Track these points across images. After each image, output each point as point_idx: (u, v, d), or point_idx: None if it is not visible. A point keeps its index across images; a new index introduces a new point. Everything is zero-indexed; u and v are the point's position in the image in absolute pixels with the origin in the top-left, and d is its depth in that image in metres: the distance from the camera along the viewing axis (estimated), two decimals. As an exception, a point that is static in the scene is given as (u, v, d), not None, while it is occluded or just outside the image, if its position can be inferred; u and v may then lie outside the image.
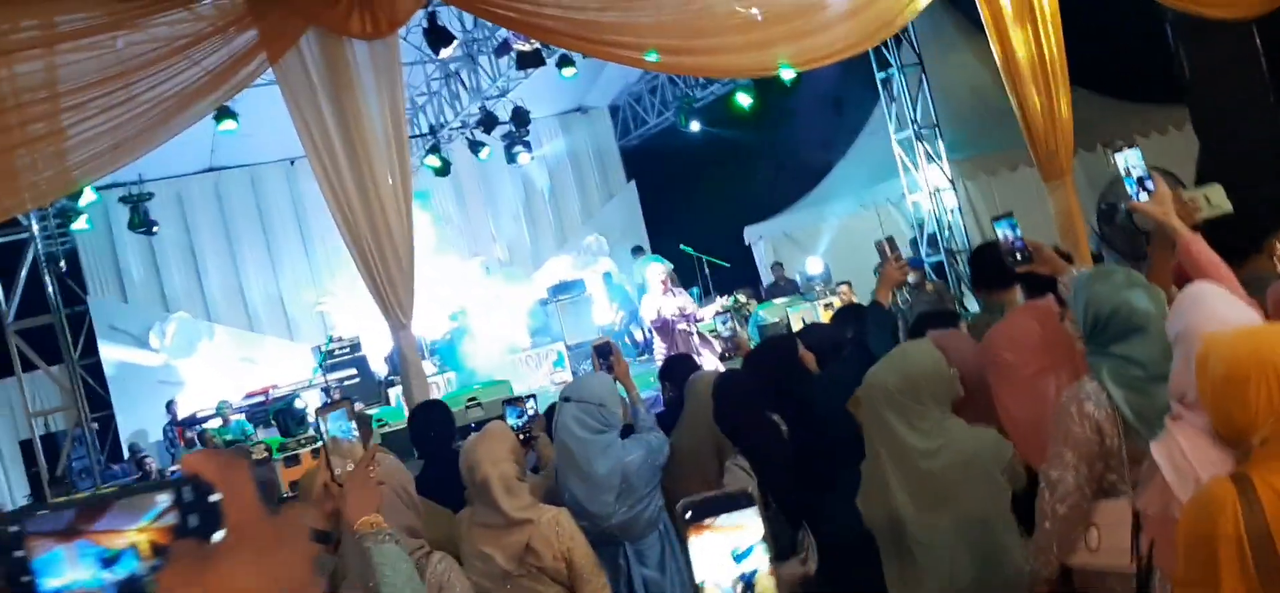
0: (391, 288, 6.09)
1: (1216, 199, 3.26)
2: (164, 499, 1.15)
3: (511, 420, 3.44)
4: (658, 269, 10.92)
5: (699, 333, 10.20)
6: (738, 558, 1.31)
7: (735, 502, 1.33)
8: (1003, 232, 3.62)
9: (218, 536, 1.15)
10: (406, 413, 6.87)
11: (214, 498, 1.16)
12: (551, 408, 4.42)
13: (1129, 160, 2.97)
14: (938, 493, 3.03)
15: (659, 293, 10.38)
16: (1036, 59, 8.10)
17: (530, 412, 4.07)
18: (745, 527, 1.32)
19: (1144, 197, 2.92)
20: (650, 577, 3.84)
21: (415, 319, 13.59)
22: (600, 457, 3.78)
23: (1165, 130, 13.05)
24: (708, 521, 1.32)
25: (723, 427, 3.86)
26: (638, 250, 16.37)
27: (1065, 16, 8.30)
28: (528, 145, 15.66)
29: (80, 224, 12.54)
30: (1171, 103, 12.36)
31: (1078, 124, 8.52)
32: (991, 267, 4.25)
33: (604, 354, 4.43)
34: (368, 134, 6.15)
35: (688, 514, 1.32)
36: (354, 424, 2.30)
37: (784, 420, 3.91)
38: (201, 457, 1.20)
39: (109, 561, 1.12)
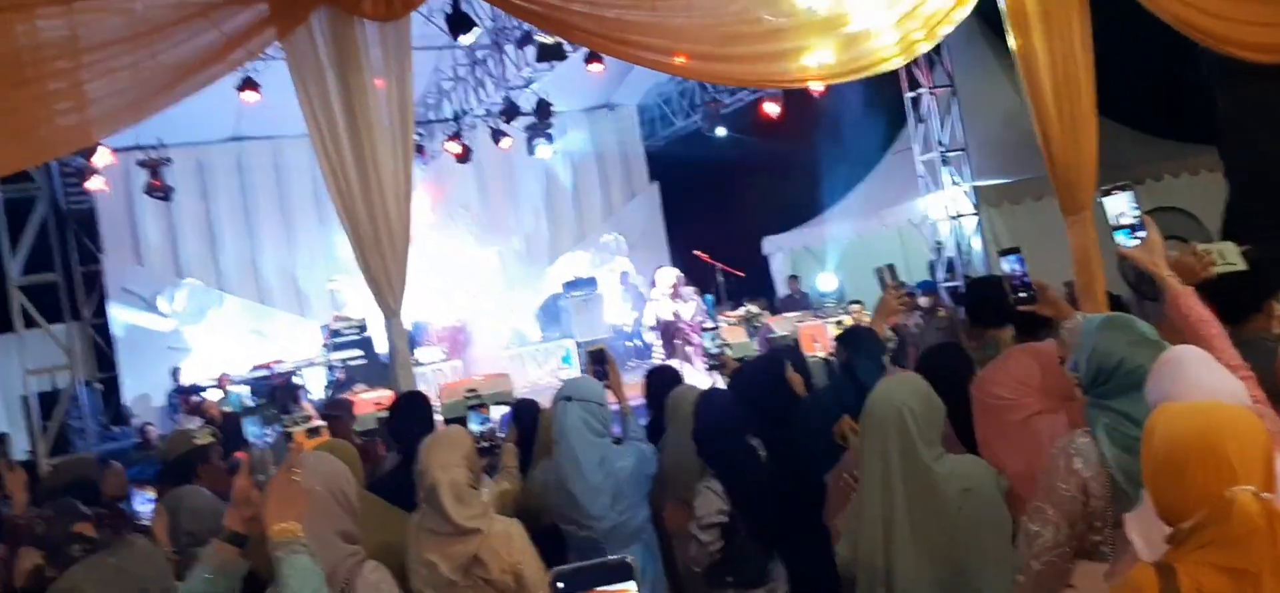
0: (385, 273, 6.00)
1: (1230, 256, 3.14)
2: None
3: (473, 426, 3.35)
4: (667, 274, 10.85)
5: (701, 345, 10.10)
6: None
7: (612, 573, 1.25)
8: (1009, 266, 3.49)
9: None
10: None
11: None
12: (521, 406, 4.32)
13: (1119, 205, 2.83)
14: (949, 520, 2.93)
15: (663, 298, 10.30)
16: (1062, 85, 7.91)
17: (492, 421, 3.96)
18: None
19: (1135, 243, 2.78)
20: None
21: (426, 304, 13.59)
22: (597, 460, 3.70)
23: (1196, 171, 12.80)
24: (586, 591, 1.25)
25: (699, 447, 3.75)
26: None
27: (1098, 47, 8.11)
28: (549, 138, 15.57)
29: (97, 184, 12.59)
30: (1203, 143, 12.13)
31: (1105, 159, 8.31)
32: (987, 302, 4.12)
33: (599, 360, 4.35)
34: (372, 116, 6.06)
35: (560, 585, 1.25)
36: (270, 431, 2.21)
37: (764, 445, 3.81)
38: None
39: None
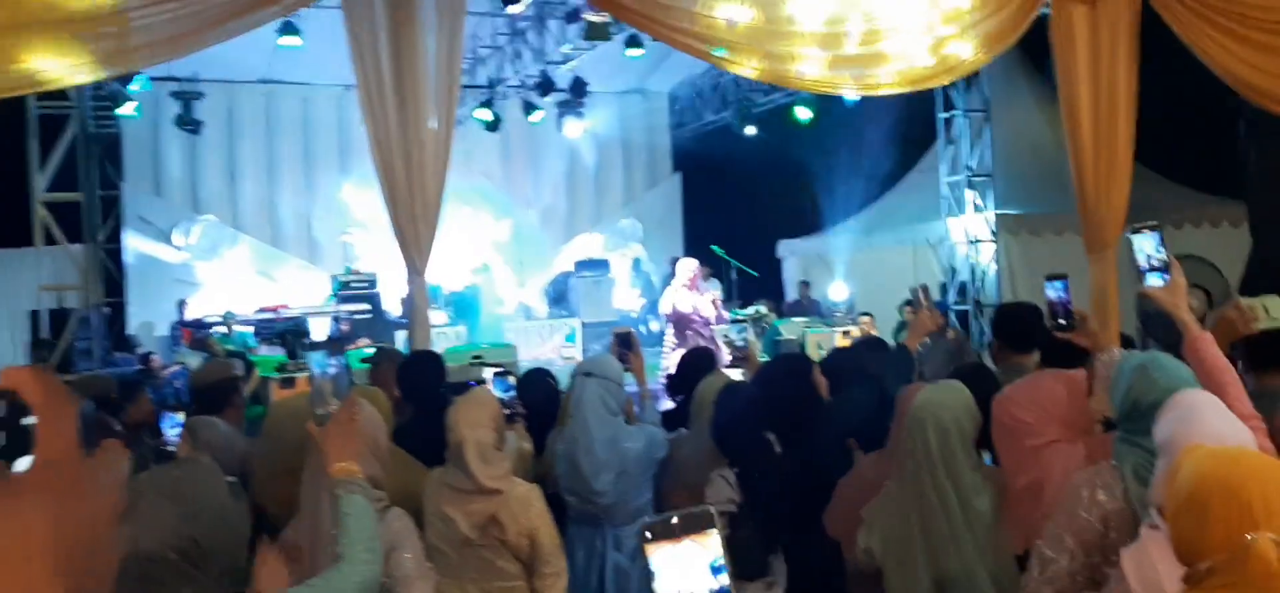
0: (414, 230, 6.02)
1: (1275, 310, 3.15)
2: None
3: (498, 392, 3.39)
4: (688, 264, 10.89)
5: (716, 337, 10.13)
6: (715, 570, 1.32)
7: (697, 522, 1.33)
8: (1054, 292, 3.51)
9: (22, 464, 1.03)
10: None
11: (27, 421, 1.04)
12: (533, 376, 4.33)
13: (1147, 245, 2.84)
14: (983, 528, 2.98)
15: (682, 287, 10.33)
16: (1103, 125, 7.92)
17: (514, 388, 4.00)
18: (712, 543, 1.33)
19: (1160, 283, 2.79)
20: (621, 565, 3.79)
21: (437, 268, 13.64)
22: (604, 428, 3.73)
23: (1219, 223, 12.81)
24: (679, 537, 1.31)
25: (716, 435, 3.78)
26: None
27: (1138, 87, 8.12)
28: (580, 115, 15.60)
29: (127, 110, 12.61)
30: (1231, 197, 12.12)
31: (1132, 201, 8.34)
32: (1021, 326, 4.13)
33: (625, 343, 4.38)
34: (421, 72, 6.09)
35: (648, 535, 1.31)
36: (334, 363, 2.24)
37: (779, 440, 3.82)
38: (28, 375, 1.08)
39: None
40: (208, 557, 2.05)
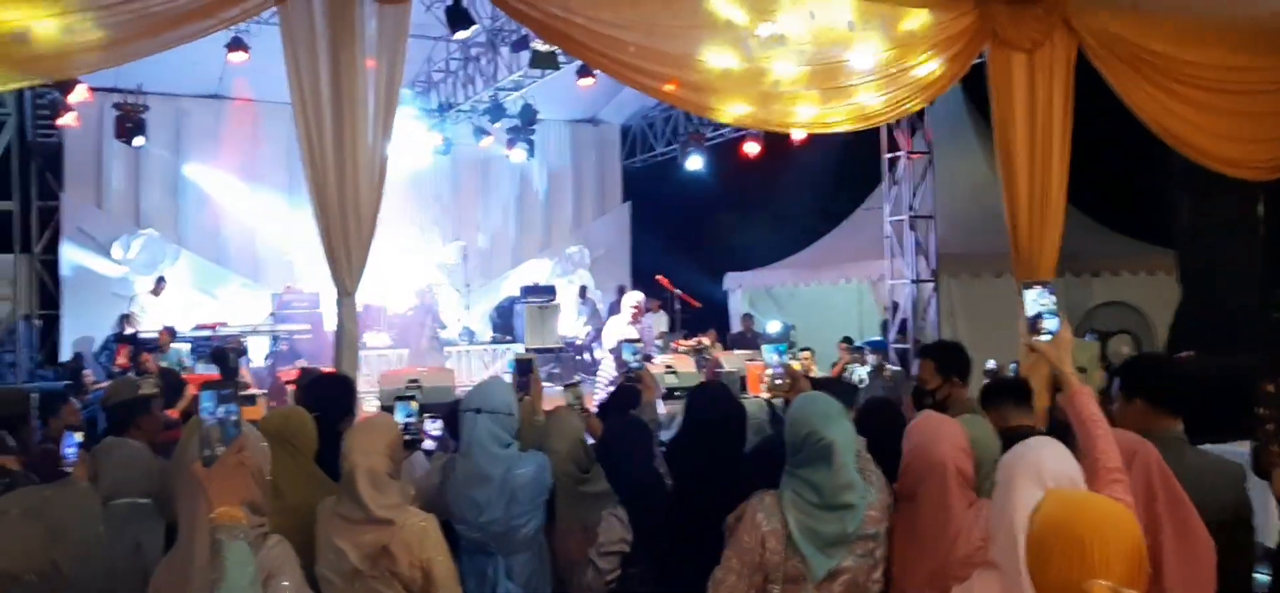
0: (345, 251, 5.98)
1: (1082, 358, 3.22)
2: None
3: (399, 416, 3.30)
4: (633, 297, 10.95)
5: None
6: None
7: None
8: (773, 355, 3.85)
9: None
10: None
11: None
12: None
13: (1036, 298, 2.90)
14: None
15: (624, 321, 10.37)
16: (1037, 165, 8.04)
17: (415, 414, 3.89)
18: None
19: (1045, 339, 2.85)
20: (514, 593, 3.73)
21: (383, 289, 13.48)
22: (496, 465, 3.67)
23: (1153, 272, 13.07)
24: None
25: (608, 472, 3.73)
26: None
27: (1076, 137, 8.27)
28: (529, 143, 15.60)
29: (68, 120, 12.41)
30: (1162, 246, 12.39)
31: (1064, 246, 8.46)
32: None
33: (524, 371, 4.33)
34: (359, 94, 6.06)
35: None
36: (223, 409, 2.20)
37: (702, 469, 3.78)
38: None
39: None
40: (68, 582, 2.00)
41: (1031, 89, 8.04)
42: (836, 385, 4.39)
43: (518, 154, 15.69)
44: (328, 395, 4.19)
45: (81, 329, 13.56)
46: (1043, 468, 2.32)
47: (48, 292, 13.57)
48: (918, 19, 7.53)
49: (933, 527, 2.83)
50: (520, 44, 12.13)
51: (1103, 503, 1.95)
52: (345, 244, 6.00)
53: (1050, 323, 2.84)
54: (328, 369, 6.52)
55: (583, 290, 16.35)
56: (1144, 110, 8.15)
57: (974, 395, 4.41)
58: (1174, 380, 3.42)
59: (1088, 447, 2.62)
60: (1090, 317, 12.09)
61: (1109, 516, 1.86)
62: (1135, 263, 13.33)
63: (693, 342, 12.58)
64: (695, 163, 16.01)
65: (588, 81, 12.69)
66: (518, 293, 15.32)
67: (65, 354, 13.03)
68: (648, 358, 10.22)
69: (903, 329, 12.79)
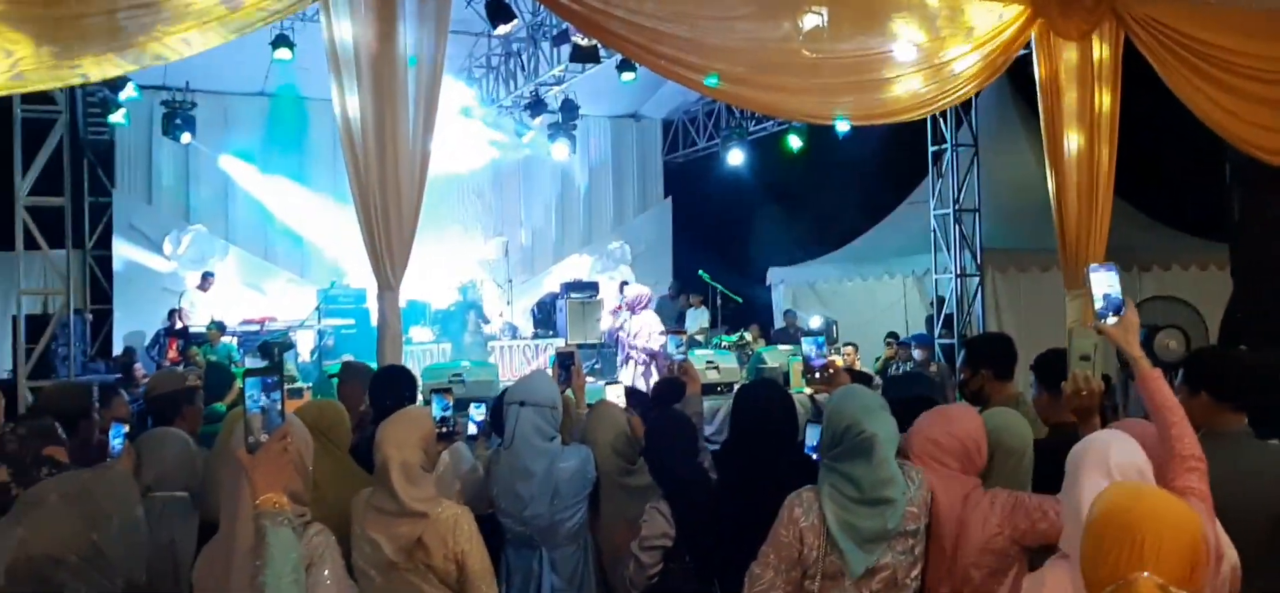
0: (387, 246, 6.02)
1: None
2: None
3: (436, 410, 3.32)
4: (631, 290, 11.08)
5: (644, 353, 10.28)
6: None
7: None
8: (810, 347, 3.75)
9: None
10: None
11: None
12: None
13: (1105, 280, 2.84)
14: None
15: (605, 314, 10.59)
16: (1084, 161, 7.95)
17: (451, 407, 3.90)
18: None
19: (1113, 321, 2.79)
20: (560, 588, 3.71)
21: (426, 285, 13.56)
22: (541, 459, 3.66)
23: (1205, 266, 12.83)
24: None
25: (650, 466, 3.70)
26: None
27: (1125, 129, 8.15)
28: (571, 138, 15.62)
29: (117, 117, 12.64)
30: (1215, 240, 12.13)
31: (1115, 240, 8.33)
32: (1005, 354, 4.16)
33: (566, 364, 4.32)
34: (400, 89, 6.10)
35: None
36: (267, 398, 2.20)
37: (746, 468, 3.75)
38: None
39: None
40: (110, 565, 2.03)
41: (1080, 79, 7.94)
42: (858, 378, 4.30)
43: (559, 150, 15.71)
44: (394, 387, 4.25)
45: (133, 324, 13.81)
46: (1110, 459, 2.27)
47: (101, 286, 13.83)
48: (966, 8, 7.45)
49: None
50: (561, 38, 12.14)
51: (1164, 497, 1.90)
52: (387, 239, 6.04)
53: (1115, 305, 2.80)
54: (361, 364, 6.58)
55: (622, 286, 16.34)
56: (1191, 101, 8.01)
57: (1021, 389, 4.33)
58: (1239, 375, 3.33)
59: (1163, 433, 2.58)
60: (1138, 311, 11.87)
61: (1169, 510, 1.82)
62: (1187, 258, 13.09)
63: (735, 337, 12.57)
64: (737, 157, 15.97)
65: (629, 76, 12.67)
66: (559, 289, 15.34)
67: (117, 348, 13.27)
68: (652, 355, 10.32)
69: (948, 324, 12.65)
